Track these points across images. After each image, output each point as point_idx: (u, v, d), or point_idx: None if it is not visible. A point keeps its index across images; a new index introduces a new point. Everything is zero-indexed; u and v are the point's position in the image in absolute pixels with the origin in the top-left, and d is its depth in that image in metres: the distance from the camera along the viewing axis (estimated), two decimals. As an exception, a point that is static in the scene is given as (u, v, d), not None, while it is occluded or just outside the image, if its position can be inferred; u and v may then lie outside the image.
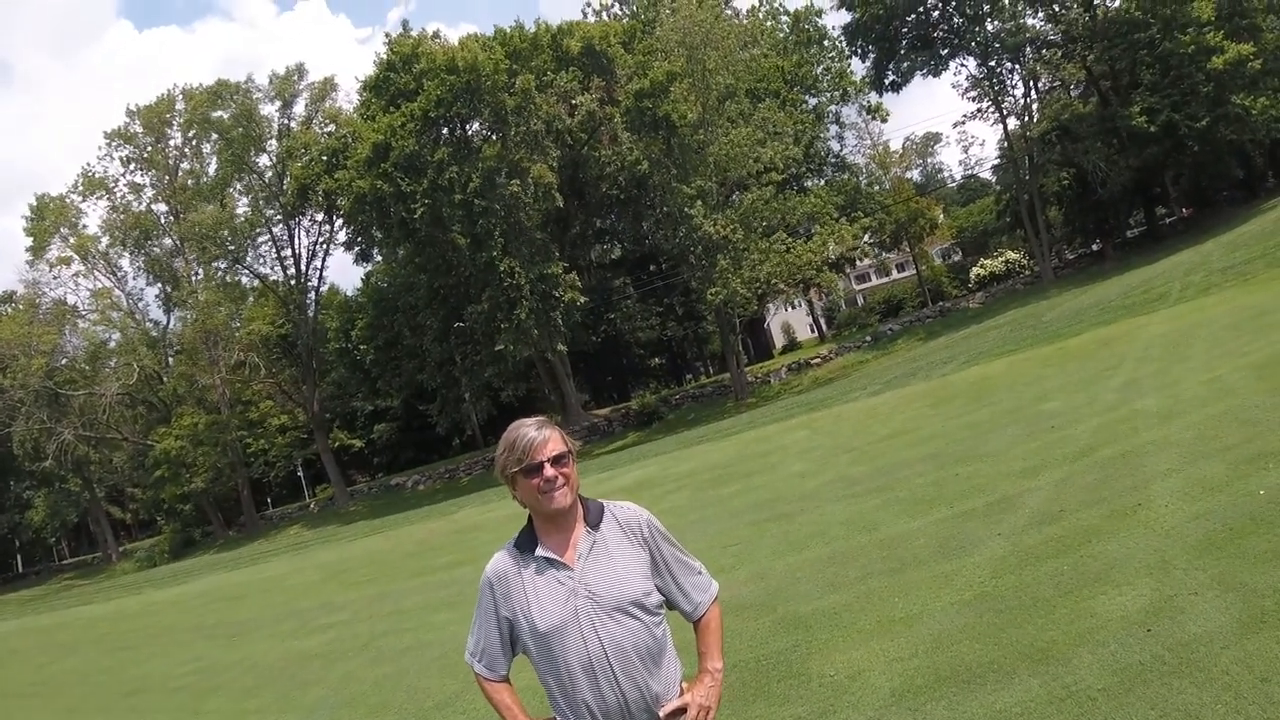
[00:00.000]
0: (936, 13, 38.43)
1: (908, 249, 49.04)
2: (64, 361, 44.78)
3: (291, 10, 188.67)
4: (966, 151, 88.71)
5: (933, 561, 5.49)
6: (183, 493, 41.31)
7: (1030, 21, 36.61)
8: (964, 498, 6.85)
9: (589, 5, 41.65)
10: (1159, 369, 10.40)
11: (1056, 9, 35.99)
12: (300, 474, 54.40)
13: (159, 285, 44.79)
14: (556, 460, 2.09)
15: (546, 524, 2.15)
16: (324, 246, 43.28)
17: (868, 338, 38.64)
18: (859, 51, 41.57)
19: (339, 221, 40.46)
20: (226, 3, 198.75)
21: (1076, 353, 14.69)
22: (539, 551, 2.13)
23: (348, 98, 41.20)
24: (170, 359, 45.58)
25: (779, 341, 60.83)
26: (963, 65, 39.00)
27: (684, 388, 43.77)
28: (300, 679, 8.16)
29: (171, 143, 43.85)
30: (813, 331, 58.25)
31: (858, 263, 53.23)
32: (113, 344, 46.24)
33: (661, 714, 2.10)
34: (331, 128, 39.82)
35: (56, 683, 12.91)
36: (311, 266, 43.44)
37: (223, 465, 41.07)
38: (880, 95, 42.74)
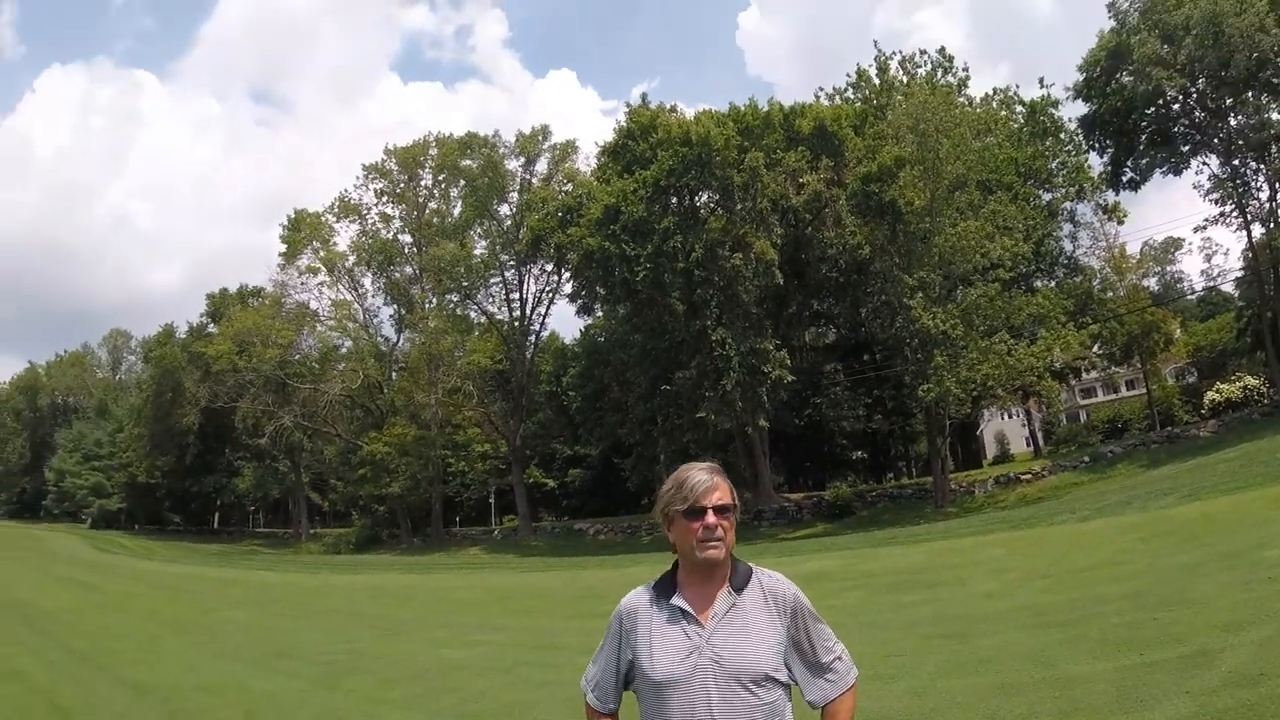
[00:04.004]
0: (1177, 106, 35.75)
1: (1139, 364, 44.85)
2: (297, 357, 50.00)
3: (544, 79, 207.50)
4: (1209, 260, 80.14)
5: (1108, 711, 5.11)
6: (380, 494, 44.31)
7: (1276, 117, 33.05)
8: (1157, 645, 6.32)
9: (821, 89, 42.26)
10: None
11: (1305, 102, 32.41)
12: (491, 501, 56.62)
13: (394, 306, 49.33)
14: (721, 510, 2.05)
15: (691, 574, 2.11)
16: (550, 295, 45.84)
17: (1085, 458, 35.49)
18: (1096, 145, 39.26)
19: (566, 274, 42.31)
20: (488, 68, 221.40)
21: (1310, 496, 12.94)
22: (675, 600, 2.09)
23: (586, 161, 43.54)
24: (393, 373, 49.80)
25: (990, 451, 57.55)
26: (1204, 164, 36.00)
27: (882, 485, 42.23)
28: (438, 684, 8.54)
29: (422, 183, 48.66)
30: (1028, 445, 54.69)
31: (1083, 374, 49.33)
32: (344, 350, 51.55)
33: None
34: (569, 186, 42.35)
35: (216, 628, 14.17)
36: (535, 312, 46.16)
37: (422, 477, 43.60)
38: (1117, 193, 40.00)
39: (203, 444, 56.72)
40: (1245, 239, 35.53)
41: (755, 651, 2.02)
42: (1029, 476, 34.49)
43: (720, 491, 2.07)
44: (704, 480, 2.07)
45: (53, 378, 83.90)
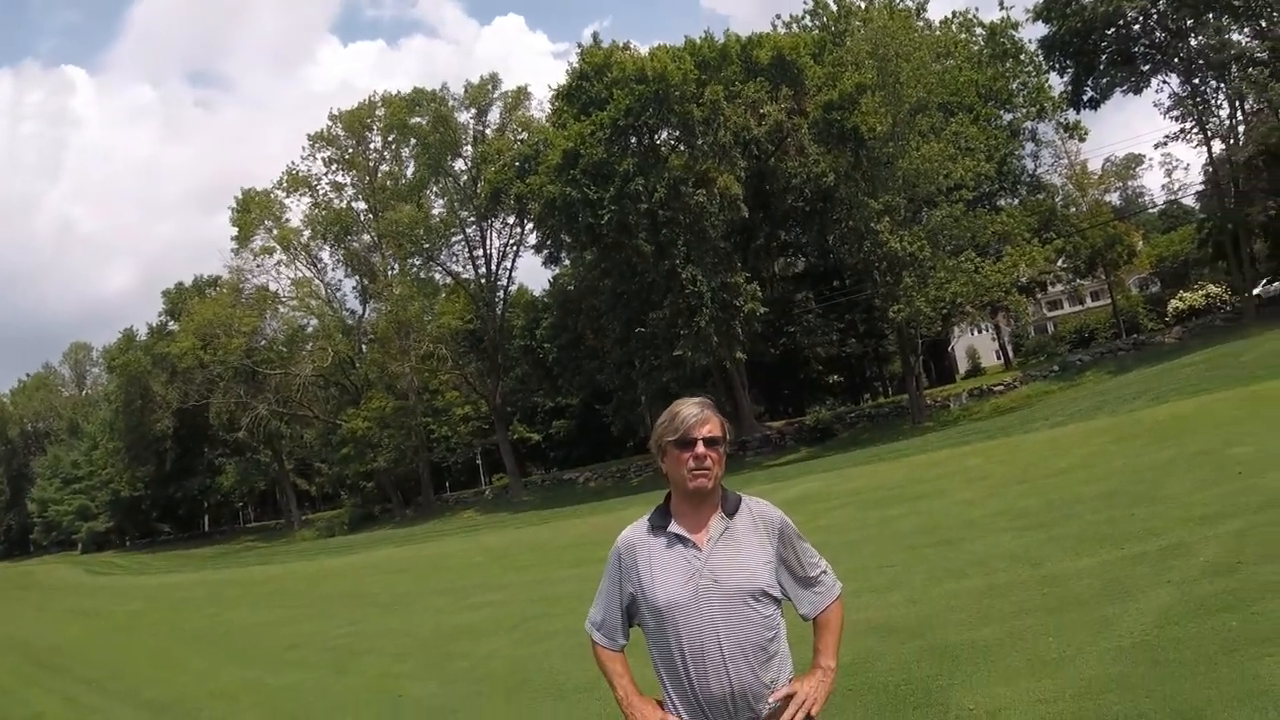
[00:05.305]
0: (1137, 26, 35.80)
1: (1103, 276, 45.66)
2: (263, 343, 48.46)
3: (490, 25, 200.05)
4: (1169, 175, 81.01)
5: (1094, 604, 5.29)
6: (366, 470, 43.79)
7: (1236, 37, 33.40)
8: (1136, 540, 6.53)
9: (779, 17, 41.51)
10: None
11: (1264, 24, 32.62)
12: (479, 462, 56.40)
13: (356, 277, 47.86)
14: (710, 442, 2.14)
15: (683, 503, 2.20)
16: (514, 248, 44.97)
17: (1055, 367, 36.33)
18: (1056, 66, 39.31)
19: (529, 225, 41.57)
20: (431, 20, 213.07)
21: (1273, 397, 13.45)
22: (671, 528, 2.18)
23: (540, 107, 42.30)
24: (364, 346, 48.57)
25: (962, 366, 58.35)
26: (1165, 83, 36.23)
27: (860, 407, 42.64)
28: (448, 650, 8.60)
29: (371, 146, 47.03)
30: (998, 358, 55.67)
31: (1049, 288, 50.19)
32: (310, 329, 49.87)
33: (770, 698, 2.09)
34: (524, 135, 41.24)
35: (224, 631, 14.12)
36: (501, 267, 45.29)
37: (406, 448, 43.01)
38: (1078, 112, 40.20)
39: (180, 447, 55.42)
40: (1206, 154, 36.15)
41: (750, 568, 2.12)
42: (1001, 388, 35.33)
43: (710, 425, 2.16)
44: (695, 414, 2.17)
45: (19, 405, 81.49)
